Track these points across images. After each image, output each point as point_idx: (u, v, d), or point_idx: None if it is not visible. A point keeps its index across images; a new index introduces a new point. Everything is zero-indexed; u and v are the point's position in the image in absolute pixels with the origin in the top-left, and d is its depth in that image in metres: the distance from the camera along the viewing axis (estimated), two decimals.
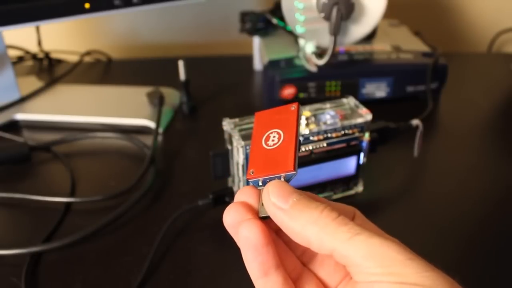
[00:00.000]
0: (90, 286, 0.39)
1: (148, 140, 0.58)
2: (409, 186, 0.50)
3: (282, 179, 0.25)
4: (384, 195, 0.48)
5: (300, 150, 0.41)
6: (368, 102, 0.48)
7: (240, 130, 0.41)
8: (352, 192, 0.48)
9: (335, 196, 0.47)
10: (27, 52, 0.84)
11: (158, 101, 0.61)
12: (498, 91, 0.71)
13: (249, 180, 0.26)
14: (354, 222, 0.22)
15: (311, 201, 0.23)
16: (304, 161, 0.42)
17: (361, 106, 0.44)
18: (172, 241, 0.43)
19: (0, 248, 0.41)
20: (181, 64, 0.62)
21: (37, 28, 0.82)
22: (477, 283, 0.38)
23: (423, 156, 0.53)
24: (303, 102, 0.47)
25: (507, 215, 0.46)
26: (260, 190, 0.25)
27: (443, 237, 0.43)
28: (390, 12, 0.66)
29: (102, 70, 0.82)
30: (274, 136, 0.26)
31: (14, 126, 0.63)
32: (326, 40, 0.61)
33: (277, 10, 0.70)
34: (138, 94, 0.66)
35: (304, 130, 0.41)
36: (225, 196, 0.44)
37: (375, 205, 0.47)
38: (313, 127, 0.41)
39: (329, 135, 0.42)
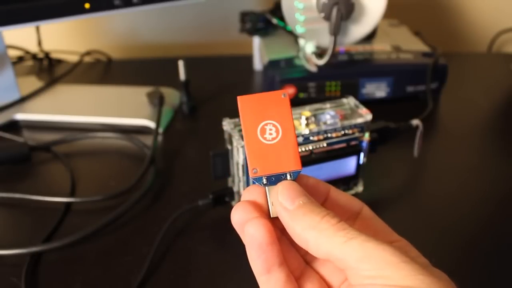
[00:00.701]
0: (90, 286, 0.39)
1: (148, 140, 0.58)
2: (409, 186, 0.50)
3: (288, 177, 0.25)
4: (384, 195, 0.48)
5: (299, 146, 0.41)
6: (368, 102, 0.48)
7: (240, 130, 0.41)
8: (352, 192, 0.48)
9: None
10: (27, 52, 0.84)
11: (158, 101, 0.61)
12: (498, 91, 0.71)
13: (252, 178, 0.25)
14: (353, 226, 0.23)
15: (316, 207, 0.24)
16: (304, 161, 0.42)
17: (361, 106, 0.44)
18: (172, 241, 0.43)
19: (0, 248, 0.41)
20: (181, 64, 0.62)
21: (37, 28, 0.82)
22: (477, 283, 0.38)
23: (423, 156, 0.53)
24: (303, 102, 0.47)
25: (507, 215, 0.46)
26: (265, 188, 0.25)
27: (443, 237, 0.43)
28: (390, 12, 0.66)
29: (102, 70, 0.82)
30: (270, 129, 0.25)
31: (14, 126, 0.63)
32: (326, 40, 0.61)
33: (277, 10, 0.70)
34: (138, 94, 0.66)
35: (304, 130, 0.41)
36: (225, 196, 0.44)
37: (375, 205, 0.46)
38: (313, 127, 0.41)
39: (329, 135, 0.42)
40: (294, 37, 0.68)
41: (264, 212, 0.25)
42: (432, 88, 0.65)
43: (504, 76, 0.75)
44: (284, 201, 0.24)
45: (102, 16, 0.60)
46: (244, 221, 0.25)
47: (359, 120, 0.43)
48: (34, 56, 0.84)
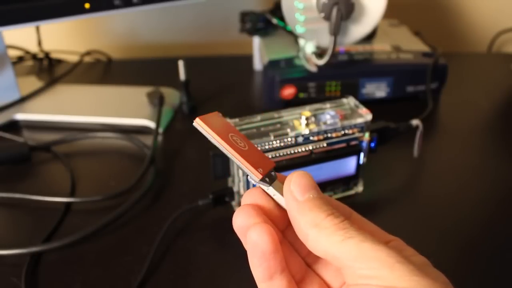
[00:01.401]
0: (90, 286, 0.39)
1: (148, 140, 0.58)
2: (409, 186, 0.50)
3: (273, 174, 0.26)
4: (384, 195, 0.48)
5: None
6: (368, 102, 0.48)
7: (240, 130, 0.41)
8: (352, 192, 0.48)
9: (335, 196, 0.47)
10: (27, 52, 0.84)
11: (158, 101, 0.61)
12: (498, 91, 0.71)
13: (259, 182, 0.25)
14: (353, 226, 0.23)
15: (323, 204, 0.24)
16: (304, 161, 0.42)
17: (361, 106, 0.44)
18: (172, 241, 0.43)
19: (0, 248, 0.41)
20: (181, 64, 0.62)
21: (37, 28, 0.82)
22: (477, 283, 0.38)
23: (423, 156, 0.53)
24: (303, 102, 0.47)
25: (507, 215, 0.46)
26: (269, 188, 0.26)
27: (443, 237, 0.43)
28: (390, 12, 0.66)
29: (102, 70, 0.82)
30: (236, 139, 0.26)
31: (14, 126, 0.63)
32: (326, 40, 0.61)
33: (277, 10, 0.70)
34: (138, 94, 0.66)
35: (304, 130, 0.41)
36: (225, 196, 0.44)
37: (375, 205, 0.47)
38: (313, 127, 0.41)
39: (329, 135, 0.42)
40: (294, 37, 0.68)
41: (267, 215, 0.25)
42: (432, 88, 0.65)
43: (504, 76, 0.75)
44: (296, 190, 0.24)
45: (102, 16, 0.60)
46: (246, 226, 0.24)
47: (359, 120, 0.43)
48: (34, 56, 0.84)
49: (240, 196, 0.43)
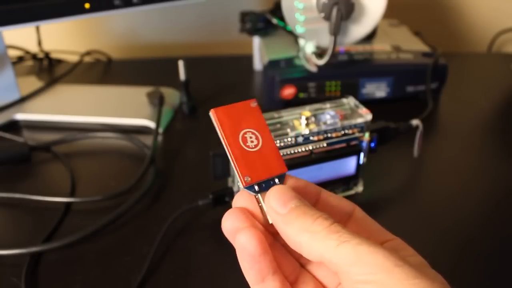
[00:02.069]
0: (90, 286, 0.39)
1: (148, 140, 0.58)
2: (409, 186, 0.50)
3: (277, 181, 0.25)
4: (384, 195, 0.48)
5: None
6: (368, 102, 0.48)
7: None
8: (352, 192, 0.48)
9: None
10: (27, 52, 0.84)
11: (158, 101, 0.61)
12: (498, 91, 0.71)
13: (245, 188, 0.25)
14: (346, 228, 0.22)
15: (309, 209, 0.24)
16: (304, 161, 0.42)
17: (361, 106, 0.44)
18: (172, 241, 0.43)
19: (0, 248, 0.41)
20: (181, 64, 0.62)
21: (37, 28, 0.82)
22: (477, 283, 0.38)
23: (423, 156, 0.53)
24: (303, 102, 0.47)
25: (507, 215, 0.46)
26: (257, 196, 0.25)
27: (443, 237, 0.43)
28: (390, 12, 0.66)
29: (102, 70, 0.82)
30: (251, 137, 0.26)
31: (14, 126, 0.63)
32: (326, 40, 0.61)
33: (277, 10, 0.70)
34: (138, 94, 0.66)
35: (304, 130, 0.41)
36: (225, 196, 0.44)
37: (375, 205, 0.47)
38: (313, 127, 0.41)
39: (329, 135, 0.42)
40: (294, 37, 0.68)
41: (256, 219, 0.25)
42: (432, 88, 0.65)
43: (504, 76, 0.75)
44: (276, 205, 0.24)
45: (102, 16, 0.60)
46: (235, 229, 0.25)
47: (359, 120, 0.43)
48: (34, 56, 0.84)
49: None
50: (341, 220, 0.27)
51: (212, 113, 0.26)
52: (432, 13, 0.91)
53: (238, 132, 0.25)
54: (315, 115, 0.43)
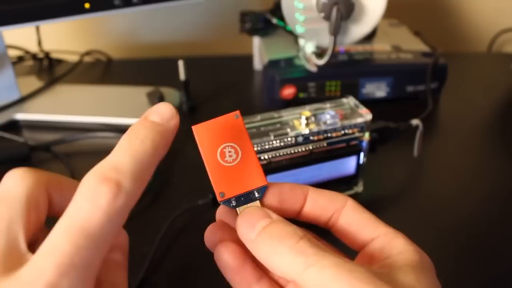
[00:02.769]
0: None
1: None
2: (409, 186, 0.50)
3: (256, 194, 0.26)
4: (384, 195, 0.48)
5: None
6: (368, 102, 0.48)
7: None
8: (352, 192, 0.48)
9: None
10: (27, 52, 0.84)
11: (158, 101, 0.61)
12: (498, 91, 0.71)
13: (221, 202, 0.26)
14: (313, 247, 0.22)
15: (277, 229, 0.23)
16: (304, 161, 0.42)
17: (361, 106, 0.44)
18: (172, 241, 0.43)
19: None
20: (181, 64, 0.62)
21: (37, 28, 0.82)
22: (477, 283, 0.38)
23: (423, 156, 0.53)
24: (303, 102, 0.47)
25: (508, 215, 0.46)
26: (236, 210, 0.26)
27: (443, 237, 0.43)
28: (390, 12, 0.66)
29: (102, 70, 0.82)
30: (230, 151, 0.26)
31: (14, 126, 0.63)
32: (326, 40, 0.61)
33: (277, 10, 0.70)
34: (138, 94, 0.66)
35: (304, 130, 0.41)
36: None
37: (375, 205, 0.47)
38: (313, 127, 0.41)
39: (329, 135, 0.42)
40: (294, 37, 0.68)
41: (234, 231, 0.25)
42: (432, 88, 0.65)
43: (504, 76, 0.75)
44: (244, 232, 0.24)
45: (102, 16, 0.60)
46: (213, 244, 0.25)
47: (359, 120, 0.43)
48: (34, 56, 0.84)
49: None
50: (334, 215, 0.26)
51: (193, 130, 0.26)
52: (432, 13, 0.91)
53: (216, 147, 0.26)
54: (315, 115, 0.43)
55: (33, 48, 0.84)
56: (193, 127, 0.26)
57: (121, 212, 0.20)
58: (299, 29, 0.63)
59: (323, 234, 0.28)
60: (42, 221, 0.22)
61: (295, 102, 0.60)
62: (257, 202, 0.26)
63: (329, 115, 0.43)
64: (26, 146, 0.54)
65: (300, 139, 0.41)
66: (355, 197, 0.47)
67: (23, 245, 0.20)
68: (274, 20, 0.71)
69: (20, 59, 0.84)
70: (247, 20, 0.72)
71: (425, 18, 0.90)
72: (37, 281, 0.18)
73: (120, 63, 0.85)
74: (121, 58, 0.88)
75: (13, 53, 0.83)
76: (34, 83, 0.71)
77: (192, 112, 0.65)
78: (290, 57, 0.66)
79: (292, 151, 0.42)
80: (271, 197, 0.26)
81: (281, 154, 0.41)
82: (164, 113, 0.23)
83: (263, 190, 0.26)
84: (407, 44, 0.69)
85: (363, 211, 0.26)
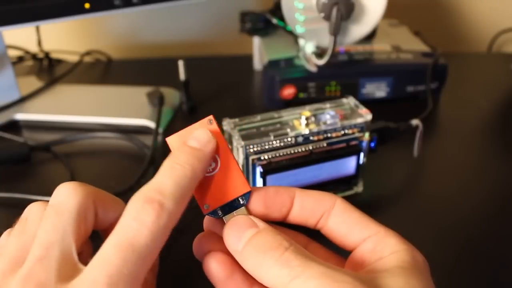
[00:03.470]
0: None
1: (148, 140, 0.58)
2: (409, 186, 0.50)
3: (241, 201, 0.25)
4: (384, 195, 0.48)
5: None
6: (368, 102, 0.48)
7: (240, 130, 0.41)
8: (352, 192, 0.48)
9: None
10: (27, 52, 0.84)
11: (158, 101, 0.61)
12: (498, 91, 0.71)
13: (207, 214, 0.25)
14: (298, 257, 0.22)
15: (263, 239, 0.23)
16: (304, 161, 0.42)
17: (361, 106, 0.44)
18: (172, 241, 0.43)
19: None
20: (181, 64, 0.62)
21: (37, 28, 0.82)
22: (477, 283, 0.38)
23: (423, 156, 0.53)
24: (303, 102, 0.47)
25: (507, 215, 0.46)
26: (223, 219, 0.26)
27: (443, 237, 0.43)
28: (390, 12, 0.66)
29: (102, 70, 0.82)
30: None
31: (14, 126, 0.63)
32: (326, 40, 0.61)
33: (277, 10, 0.70)
34: (138, 94, 0.66)
35: (304, 130, 0.41)
36: None
37: (375, 205, 0.47)
38: (313, 127, 0.41)
39: (329, 135, 0.42)
40: (294, 37, 0.68)
41: (222, 240, 0.25)
42: (432, 88, 0.65)
43: (504, 76, 0.75)
44: (231, 244, 0.24)
45: (102, 16, 0.60)
46: (202, 255, 0.25)
47: (359, 120, 0.43)
48: (34, 56, 0.84)
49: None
50: (323, 216, 0.26)
51: (167, 142, 0.26)
52: (432, 13, 0.91)
53: None
54: (315, 115, 0.43)
55: (33, 48, 0.84)
56: (167, 139, 0.26)
57: (164, 231, 0.22)
58: (299, 29, 0.63)
59: (315, 236, 0.27)
60: (89, 233, 0.24)
61: (295, 102, 0.60)
62: (243, 209, 0.25)
63: (329, 115, 0.43)
64: (26, 146, 0.54)
65: (300, 139, 0.41)
66: (355, 197, 0.48)
67: (75, 256, 0.22)
68: (274, 20, 0.71)
69: (20, 59, 0.84)
70: (247, 20, 0.72)
71: (425, 18, 0.90)
72: None
73: (120, 63, 0.85)
74: (121, 58, 0.88)
75: (13, 53, 0.83)
76: (34, 83, 0.71)
77: (192, 112, 0.65)
78: (290, 57, 0.66)
79: (292, 151, 0.42)
80: (256, 203, 0.26)
81: (281, 154, 0.41)
82: (201, 138, 0.25)
83: (247, 196, 0.25)
84: (407, 44, 0.69)
85: (353, 210, 0.26)
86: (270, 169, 0.41)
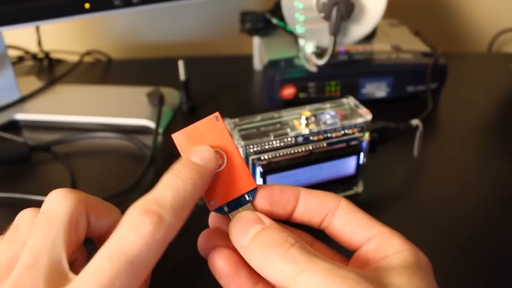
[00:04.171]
0: None
1: (148, 140, 0.58)
2: (408, 186, 0.50)
3: (247, 197, 0.25)
4: (384, 195, 0.48)
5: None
6: (368, 102, 0.48)
7: (240, 130, 0.41)
8: (352, 192, 0.48)
9: None
10: (27, 52, 0.84)
11: (158, 101, 0.61)
12: (498, 91, 0.71)
13: (213, 211, 0.26)
14: (304, 254, 0.22)
15: (268, 236, 0.23)
16: (304, 161, 0.42)
17: (361, 106, 0.44)
18: (172, 241, 0.43)
19: None
20: (181, 64, 0.62)
21: (37, 28, 0.82)
22: (476, 283, 0.38)
23: (423, 156, 0.53)
24: (303, 102, 0.47)
25: (507, 215, 0.46)
26: (229, 216, 0.26)
27: (443, 237, 0.43)
28: (390, 12, 0.66)
29: (102, 70, 0.82)
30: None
31: (14, 126, 0.63)
32: (326, 40, 0.61)
33: (277, 10, 0.70)
34: (138, 94, 0.66)
35: (304, 130, 0.41)
36: None
37: (375, 205, 0.47)
38: (313, 127, 0.41)
39: (329, 135, 0.42)
40: (294, 37, 0.68)
41: (228, 236, 0.25)
42: (432, 88, 0.65)
43: (504, 76, 0.75)
44: (237, 239, 0.24)
45: (102, 16, 0.60)
46: (207, 251, 0.25)
47: (359, 120, 0.43)
48: (34, 56, 0.84)
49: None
50: (327, 216, 0.26)
51: (173, 138, 0.25)
52: (432, 13, 0.91)
53: None
54: (315, 115, 0.43)
55: (33, 48, 0.84)
56: (173, 135, 0.25)
57: (160, 243, 0.22)
58: (299, 29, 0.63)
59: (319, 235, 0.27)
60: (81, 241, 0.24)
61: (295, 102, 0.60)
62: (249, 205, 0.25)
63: (329, 115, 0.43)
64: (26, 146, 0.54)
65: (300, 139, 0.41)
66: (355, 197, 0.47)
67: (65, 265, 0.21)
68: (274, 20, 0.71)
69: (20, 59, 0.84)
70: (247, 20, 0.72)
71: (425, 18, 0.90)
72: None
73: (120, 63, 0.85)
74: (121, 58, 0.88)
75: (13, 53, 0.83)
76: (34, 83, 0.71)
77: (192, 112, 0.65)
78: (290, 57, 0.66)
79: (292, 151, 0.42)
80: (261, 200, 0.26)
81: (281, 154, 0.41)
82: (204, 155, 0.24)
83: (253, 193, 0.25)
84: (407, 44, 0.69)
85: (357, 211, 0.26)
86: (270, 169, 0.41)
